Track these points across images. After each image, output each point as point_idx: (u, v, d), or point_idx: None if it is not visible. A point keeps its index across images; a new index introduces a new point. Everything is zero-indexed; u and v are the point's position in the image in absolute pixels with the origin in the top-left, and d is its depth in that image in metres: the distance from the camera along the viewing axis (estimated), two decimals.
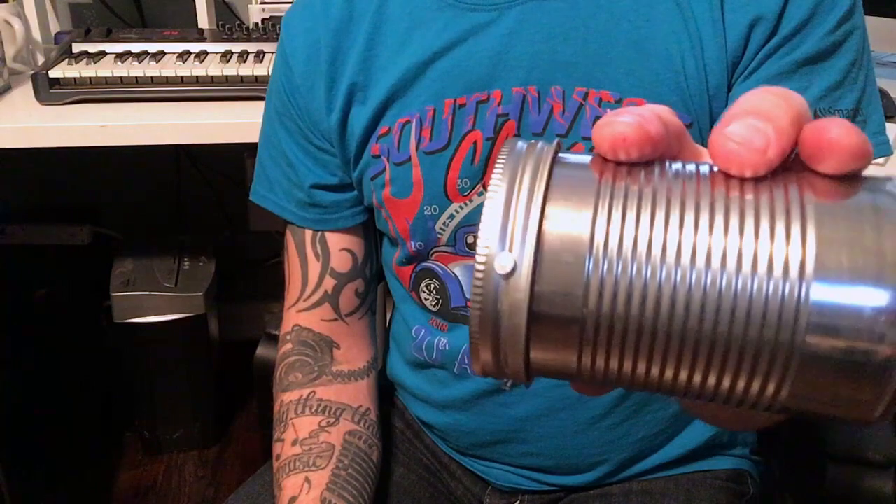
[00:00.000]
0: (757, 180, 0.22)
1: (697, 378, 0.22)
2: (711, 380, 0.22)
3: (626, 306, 0.22)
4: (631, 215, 0.22)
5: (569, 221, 0.22)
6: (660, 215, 0.22)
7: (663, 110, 0.25)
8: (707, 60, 0.55)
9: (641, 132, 0.23)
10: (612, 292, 0.22)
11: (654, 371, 0.23)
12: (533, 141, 0.25)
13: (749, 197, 0.22)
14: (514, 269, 0.22)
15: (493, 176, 0.23)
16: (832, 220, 0.21)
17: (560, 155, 0.24)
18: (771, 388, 0.22)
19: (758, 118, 0.23)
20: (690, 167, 0.23)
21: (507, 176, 0.23)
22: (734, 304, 0.21)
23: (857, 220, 0.21)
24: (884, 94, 0.97)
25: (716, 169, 0.23)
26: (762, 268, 0.21)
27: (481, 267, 0.23)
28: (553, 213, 0.23)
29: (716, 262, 0.21)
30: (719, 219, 0.21)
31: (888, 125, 0.60)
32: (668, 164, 0.24)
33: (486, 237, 0.23)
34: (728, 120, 0.23)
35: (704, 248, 0.21)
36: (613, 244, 0.22)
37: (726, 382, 0.22)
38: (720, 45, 0.55)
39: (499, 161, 0.24)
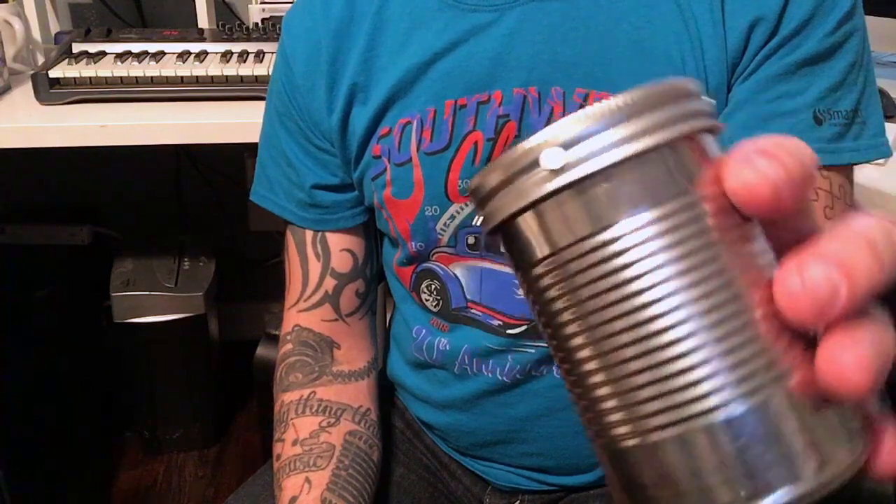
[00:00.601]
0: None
1: (578, 369, 0.23)
2: (583, 382, 0.23)
3: (587, 288, 0.22)
4: (667, 243, 0.21)
5: (628, 190, 0.21)
6: (685, 267, 0.21)
7: (812, 162, 0.22)
8: (707, 61, 0.55)
9: (775, 198, 0.21)
10: (591, 272, 0.21)
11: (565, 337, 0.23)
12: (702, 100, 0.23)
13: (758, 329, 0.21)
14: (554, 171, 0.21)
15: (631, 93, 0.21)
16: (780, 422, 0.21)
17: (701, 135, 0.22)
18: (597, 442, 0.23)
19: (841, 272, 0.21)
20: (765, 258, 0.22)
21: (640, 105, 0.21)
22: (638, 369, 0.21)
23: (789, 438, 0.21)
24: (884, 94, 0.97)
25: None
26: (683, 379, 0.21)
27: (533, 143, 0.21)
28: (629, 169, 0.21)
29: (661, 338, 0.21)
30: (716, 314, 0.21)
31: (888, 125, 0.60)
32: (755, 232, 0.22)
33: (564, 128, 0.21)
34: (817, 244, 0.21)
35: (671, 319, 0.21)
36: (627, 244, 0.21)
37: (586, 395, 0.23)
38: (720, 46, 0.55)
39: (650, 87, 0.22)
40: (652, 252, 0.21)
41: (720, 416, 0.20)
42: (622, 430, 0.22)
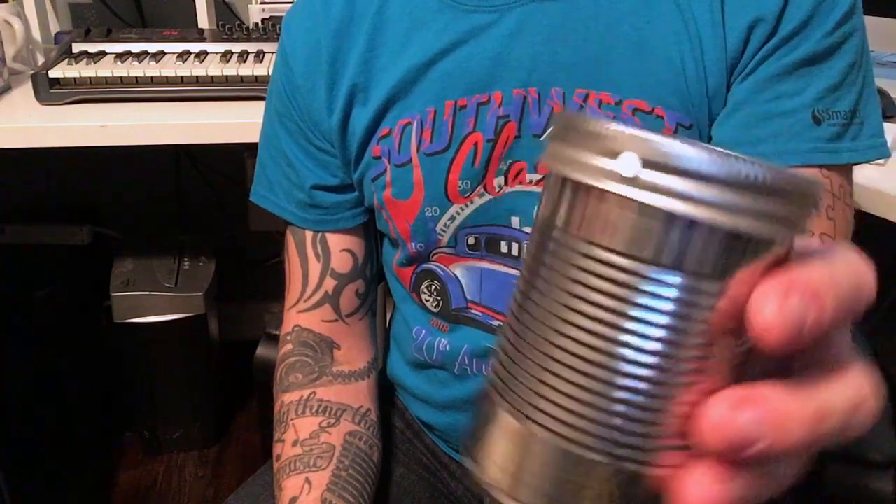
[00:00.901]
0: None
1: (517, 333, 0.23)
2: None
3: (574, 284, 0.22)
4: (664, 308, 0.21)
5: (671, 242, 0.21)
6: (659, 335, 0.21)
7: (868, 299, 0.21)
8: (707, 62, 0.55)
9: (786, 343, 0.20)
10: (589, 277, 0.22)
11: (526, 302, 0.23)
12: (803, 209, 0.21)
13: (669, 417, 0.22)
14: (623, 176, 0.21)
15: (740, 160, 0.20)
16: (627, 491, 0.22)
17: (773, 242, 0.21)
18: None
19: (774, 431, 0.20)
20: (735, 372, 0.22)
21: (737, 178, 0.20)
22: (555, 371, 0.22)
23: None
24: (883, 94, 0.97)
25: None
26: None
27: (623, 138, 0.21)
28: (685, 227, 0.21)
29: (592, 369, 0.22)
30: (650, 386, 0.21)
31: (887, 125, 0.60)
32: (747, 346, 0.22)
33: (656, 146, 0.20)
34: (770, 387, 0.21)
35: (615, 364, 0.21)
36: (635, 283, 0.21)
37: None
38: (720, 47, 0.55)
39: (762, 166, 0.20)
40: (647, 305, 0.21)
41: (585, 455, 0.22)
42: (510, 397, 0.23)
